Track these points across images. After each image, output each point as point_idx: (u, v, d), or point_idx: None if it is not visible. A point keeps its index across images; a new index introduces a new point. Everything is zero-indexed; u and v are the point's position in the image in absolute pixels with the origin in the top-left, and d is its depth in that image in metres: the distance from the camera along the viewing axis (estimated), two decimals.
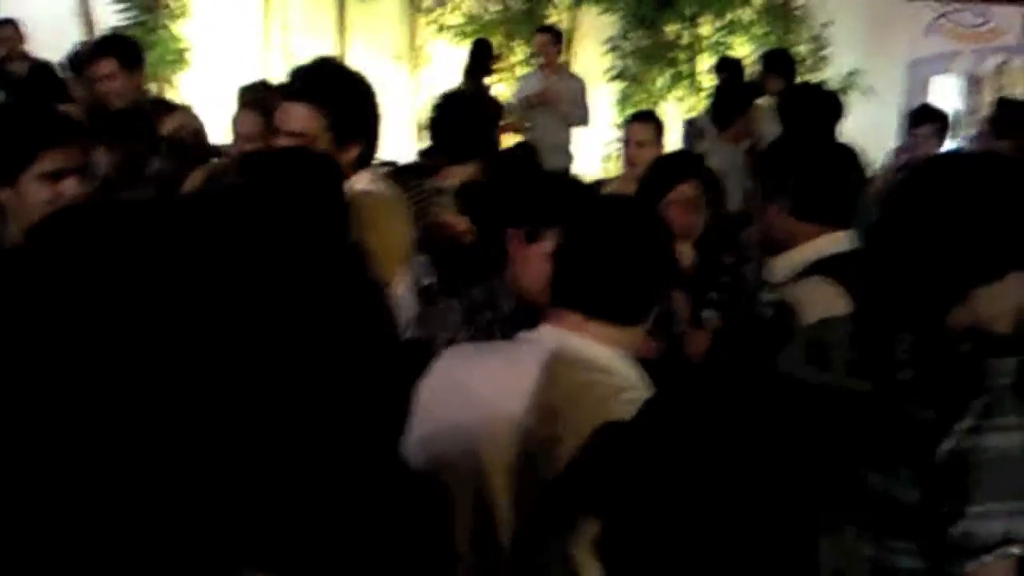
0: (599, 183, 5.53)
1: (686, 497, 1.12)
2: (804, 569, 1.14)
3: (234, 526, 0.82)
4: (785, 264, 2.48)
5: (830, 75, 9.15)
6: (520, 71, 9.30)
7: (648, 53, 9.69)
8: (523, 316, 2.40)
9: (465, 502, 1.78)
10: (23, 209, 2.34)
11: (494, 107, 5.28)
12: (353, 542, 0.89)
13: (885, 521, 1.69)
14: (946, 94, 8.35)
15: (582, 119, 7.53)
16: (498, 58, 8.33)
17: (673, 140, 6.77)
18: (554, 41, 7.78)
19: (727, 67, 7.48)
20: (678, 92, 9.77)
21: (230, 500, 0.81)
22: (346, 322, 0.87)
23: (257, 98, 4.03)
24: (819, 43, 9.50)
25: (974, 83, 8.78)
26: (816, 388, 1.82)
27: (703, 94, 9.01)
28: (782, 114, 4.87)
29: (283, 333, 0.82)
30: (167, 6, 8.92)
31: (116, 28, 8.26)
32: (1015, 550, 1.60)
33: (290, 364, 0.83)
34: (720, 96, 5.66)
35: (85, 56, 4.85)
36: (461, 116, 3.60)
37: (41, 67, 5.30)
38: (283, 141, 2.57)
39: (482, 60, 7.79)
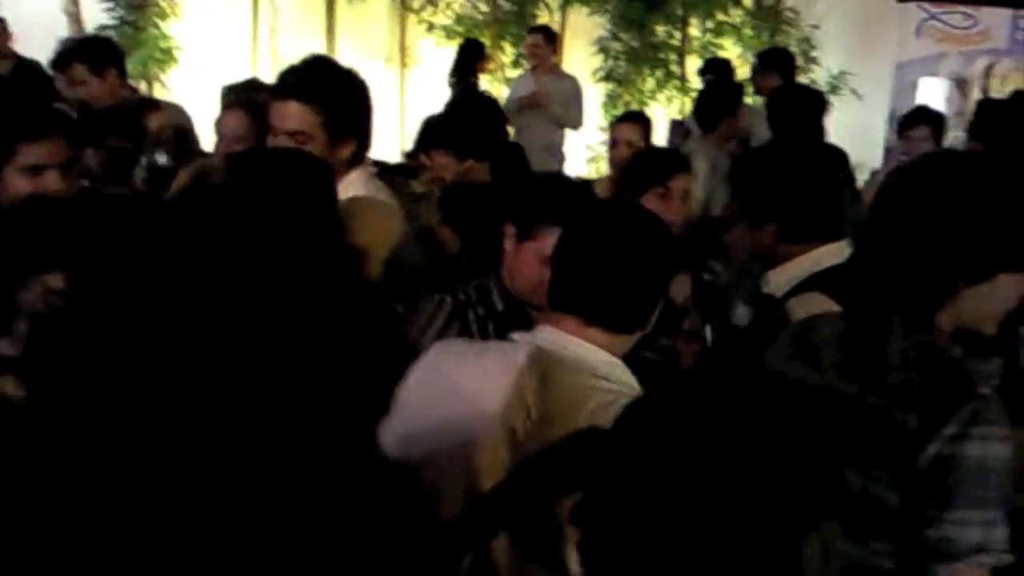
0: (586, 183, 5.54)
1: (668, 496, 1.12)
2: (787, 568, 1.14)
3: (215, 520, 0.82)
4: (783, 278, 2.47)
5: (818, 76, 9.17)
6: (509, 71, 9.30)
7: (637, 54, 9.70)
8: (516, 315, 2.41)
9: (455, 500, 1.77)
10: (6, 202, 2.35)
11: None
12: (336, 537, 0.90)
13: (866, 522, 1.70)
14: (933, 96, 8.36)
15: (574, 121, 7.45)
16: (487, 58, 8.31)
17: (660, 141, 6.78)
18: (547, 41, 7.67)
19: (714, 68, 7.47)
20: (667, 93, 9.78)
21: (210, 493, 0.82)
22: (332, 318, 0.88)
23: (244, 98, 4.01)
24: (807, 45, 9.51)
25: (961, 85, 8.80)
26: (803, 387, 1.82)
27: (692, 95, 9.02)
28: (770, 115, 4.88)
29: (269, 331, 0.83)
30: (156, 5, 8.90)
31: (105, 27, 8.25)
32: (987, 559, 1.60)
33: (275, 362, 0.83)
34: (705, 97, 5.65)
35: (62, 58, 4.86)
36: (476, 115, 3.64)
37: (26, 65, 5.29)
38: (278, 140, 2.57)
39: (471, 60, 7.77)
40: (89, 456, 0.81)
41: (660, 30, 9.82)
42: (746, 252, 4.03)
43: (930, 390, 1.65)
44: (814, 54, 9.50)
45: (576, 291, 1.85)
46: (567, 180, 3.75)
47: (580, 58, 9.43)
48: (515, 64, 9.41)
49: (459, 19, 9.57)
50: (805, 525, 1.15)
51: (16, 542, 0.81)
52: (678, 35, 9.90)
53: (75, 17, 8.50)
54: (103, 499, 0.82)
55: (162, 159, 3.59)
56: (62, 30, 8.05)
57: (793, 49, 8.46)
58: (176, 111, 4.81)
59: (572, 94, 7.45)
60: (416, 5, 9.63)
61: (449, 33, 9.47)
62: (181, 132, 4.26)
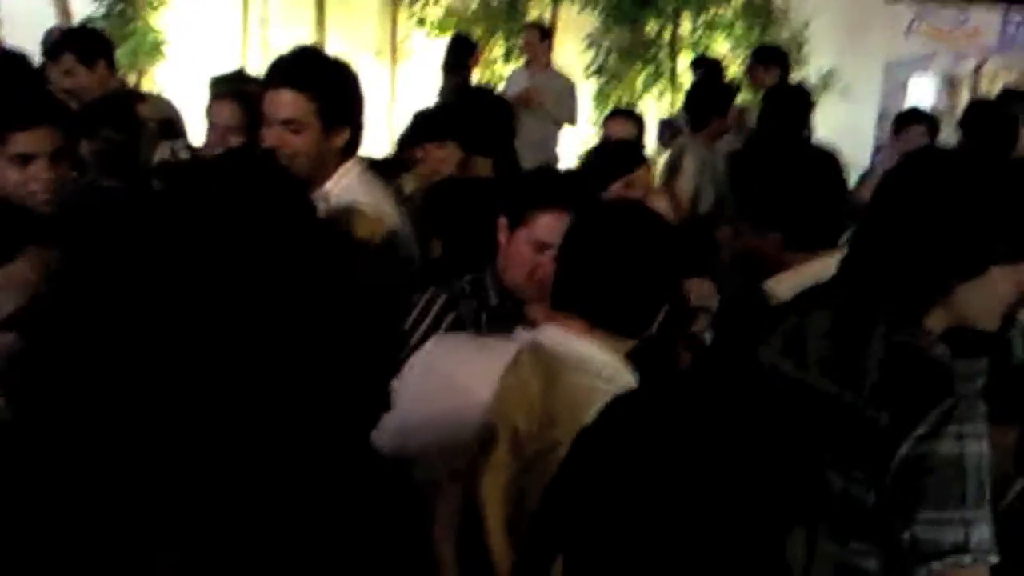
0: (575, 172, 5.54)
1: (649, 492, 1.12)
2: (770, 566, 1.14)
3: (198, 514, 0.81)
4: (786, 286, 2.41)
5: (808, 74, 9.19)
6: (501, 66, 9.28)
7: (628, 50, 9.70)
8: (509, 309, 2.41)
9: (450, 497, 1.77)
10: None
11: None
12: (325, 536, 0.89)
13: (847, 522, 1.69)
14: (923, 95, 8.39)
15: (568, 118, 7.40)
16: (479, 53, 8.29)
17: (650, 138, 6.78)
18: (542, 38, 7.64)
19: (703, 65, 7.46)
20: (657, 89, 9.78)
21: (192, 487, 0.81)
22: (319, 310, 0.86)
23: (236, 88, 3.99)
24: (798, 42, 9.52)
25: (951, 84, 8.82)
26: (789, 384, 1.82)
27: (682, 91, 9.03)
28: (764, 111, 4.88)
29: (256, 329, 0.82)
30: None
31: (92, 18, 8.19)
32: (967, 559, 1.58)
33: (259, 362, 0.82)
34: (696, 96, 5.64)
35: (52, 48, 4.83)
36: (486, 109, 3.65)
37: (11, 55, 5.25)
38: (271, 130, 2.56)
39: (462, 55, 7.74)
40: (78, 459, 0.80)
41: (651, 26, 9.83)
42: (730, 251, 4.04)
43: (904, 389, 1.64)
44: (804, 52, 9.51)
45: (582, 293, 1.84)
46: (555, 169, 3.79)
47: (571, 53, 9.42)
48: (507, 58, 9.39)
49: (450, 13, 9.54)
50: (786, 523, 1.15)
51: (12, 543, 0.80)
52: (669, 31, 9.91)
53: (62, 8, 8.44)
54: (94, 501, 0.81)
55: (184, 153, 3.58)
56: (49, 21, 8.00)
57: (783, 47, 8.46)
58: (162, 103, 4.78)
59: (566, 91, 7.42)
60: None
61: (440, 27, 9.45)
62: (166, 124, 4.24)
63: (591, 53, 9.68)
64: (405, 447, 1.70)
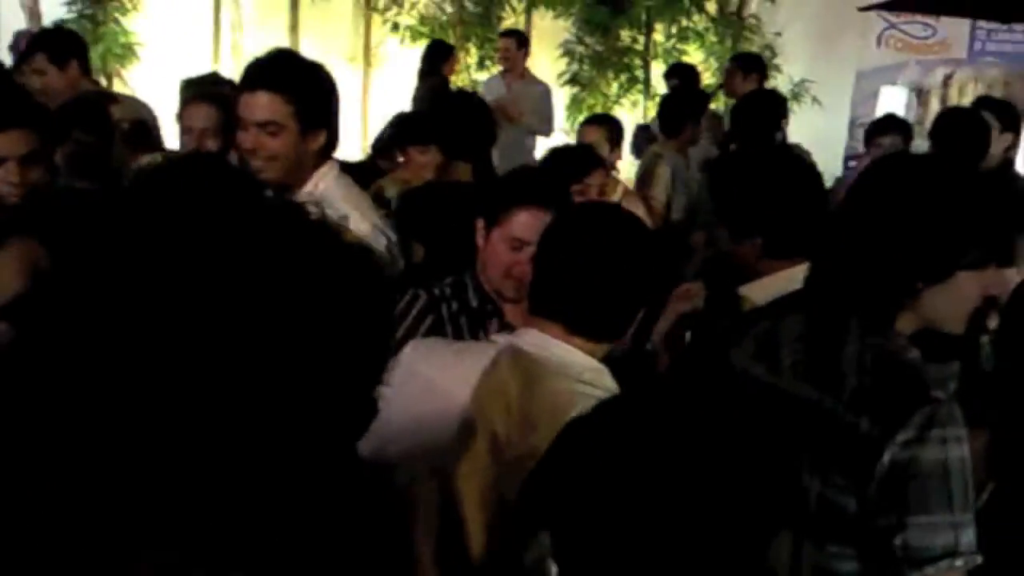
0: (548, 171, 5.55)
1: (636, 499, 1.11)
2: (755, 571, 1.14)
3: (185, 522, 0.80)
4: (763, 294, 2.41)
5: (780, 84, 9.25)
6: (475, 73, 9.28)
7: (602, 58, 9.73)
8: (489, 311, 2.41)
9: (429, 503, 1.75)
10: None
11: None
12: (310, 541, 0.88)
13: (824, 525, 1.70)
14: (893, 105, 8.45)
15: (545, 128, 7.34)
16: (454, 60, 8.28)
17: (625, 145, 6.79)
18: (518, 45, 7.58)
19: (678, 73, 7.50)
20: (631, 98, 9.82)
21: (180, 495, 0.79)
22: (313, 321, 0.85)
23: (210, 91, 3.96)
24: (770, 52, 9.59)
25: (921, 94, 8.90)
26: (763, 388, 1.82)
27: (655, 100, 9.06)
28: (738, 118, 4.90)
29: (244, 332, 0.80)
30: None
31: (64, 21, 8.12)
32: (959, 563, 1.59)
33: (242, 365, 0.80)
34: (670, 103, 5.66)
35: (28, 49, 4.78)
36: (468, 114, 3.65)
37: None
38: (248, 132, 2.55)
39: (437, 61, 7.73)
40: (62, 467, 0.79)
41: (625, 35, 9.87)
42: (703, 256, 4.05)
43: (884, 395, 1.64)
44: (776, 61, 9.58)
45: (559, 299, 1.83)
46: (530, 168, 3.80)
47: (545, 61, 9.44)
48: (480, 66, 9.39)
49: (424, 20, 9.54)
50: (770, 527, 1.15)
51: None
52: (642, 40, 9.95)
53: (33, 11, 8.37)
54: (80, 499, 0.79)
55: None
56: (18, 23, 7.92)
57: None
58: (136, 104, 4.74)
59: (543, 99, 7.38)
60: (380, 5, 9.59)
61: (414, 34, 9.44)
62: (139, 125, 4.21)
63: (564, 62, 9.71)
64: (385, 451, 1.68)
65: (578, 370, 1.79)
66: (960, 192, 1.73)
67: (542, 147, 7.60)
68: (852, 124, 8.68)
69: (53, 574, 0.79)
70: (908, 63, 8.94)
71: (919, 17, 8.86)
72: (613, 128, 5.06)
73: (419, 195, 3.67)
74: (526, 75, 7.60)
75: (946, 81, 8.97)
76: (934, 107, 8.47)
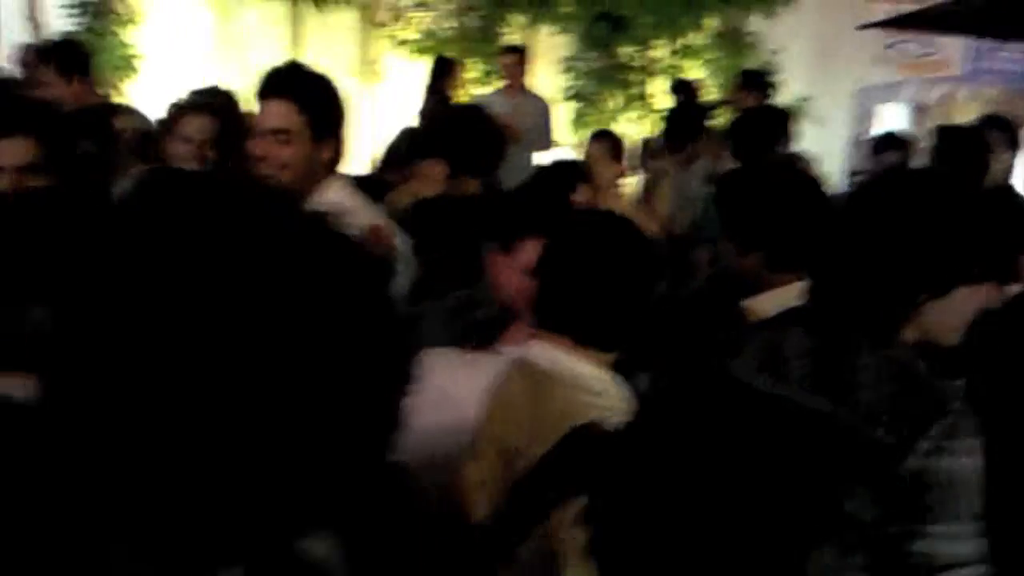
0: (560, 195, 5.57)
1: (675, 505, 1.11)
2: None
3: (218, 525, 0.79)
4: (767, 307, 2.42)
5: (779, 101, 9.26)
6: (476, 88, 9.29)
7: (602, 74, 9.75)
8: (499, 323, 2.41)
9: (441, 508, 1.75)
10: None
11: None
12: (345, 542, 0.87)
13: (841, 537, 1.69)
14: (893, 122, 8.49)
15: (545, 145, 7.31)
16: (457, 76, 8.29)
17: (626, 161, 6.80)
18: (519, 61, 7.60)
19: (683, 89, 7.52)
20: (631, 113, 9.84)
21: (212, 497, 0.78)
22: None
23: (209, 102, 3.96)
24: (769, 69, 9.62)
25: (920, 112, 8.94)
26: (775, 400, 1.81)
27: (656, 115, 9.08)
28: (740, 134, 4.91)
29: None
30: (117, 12, 8.81)
31: (66, 33, 8.13)
32: (972, 572, 1.60)
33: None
34: (675, 119, 5.69)
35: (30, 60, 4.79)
36: (479, 130, 3.67)
37: None
38: (261, 141, 2.56)
39: (443, 77, 7.73)
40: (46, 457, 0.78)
41: (624, 51, 9.89)
42: (706, 271, 4.06)
43: (903, 406, 1.65)
44: (776, 79, 9.60)
45: (565, 313, 1.83)
46: (542, 195, 3.81)
47: (545, 77, 9.46)
48: (482, 81, 9.41)
49: (426, 35, 9.56)
50: (811, 541, 1.14)
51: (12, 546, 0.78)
52: (642, 57, 9.97)
53: (33, 23, 8.38)
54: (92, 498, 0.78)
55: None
56: (19, 36, 7.93)
57: None
58: (139, 116, 4.74)
59: (543, 116, 7.38)
60: (381, 20, 9.61)
61: (416, 49, 9.46)
62: (144, 135, 4.20)
63: (565, 77, 9.73)
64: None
65: (587, 381, 1.79)
66: (965, 206, 1.75)
67: (541, 161, 7.64)
68: (852, 142, 8.72)
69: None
70: (908, 81, 8.98)
71: (918, 36, 8.91)
72: (615, 144, 5.09)
73: (431, 206, 3.67)
74: (527, 91, 7.62)
75: (944, 99, 9.01)
76: (933, 125, 8.51)
